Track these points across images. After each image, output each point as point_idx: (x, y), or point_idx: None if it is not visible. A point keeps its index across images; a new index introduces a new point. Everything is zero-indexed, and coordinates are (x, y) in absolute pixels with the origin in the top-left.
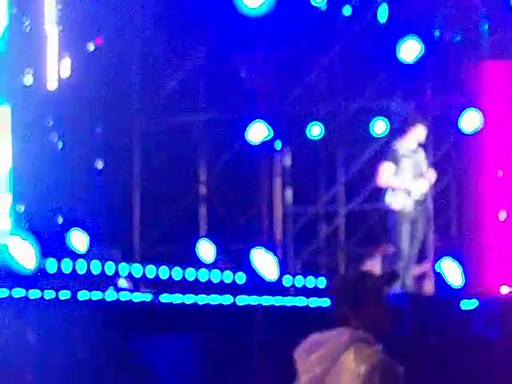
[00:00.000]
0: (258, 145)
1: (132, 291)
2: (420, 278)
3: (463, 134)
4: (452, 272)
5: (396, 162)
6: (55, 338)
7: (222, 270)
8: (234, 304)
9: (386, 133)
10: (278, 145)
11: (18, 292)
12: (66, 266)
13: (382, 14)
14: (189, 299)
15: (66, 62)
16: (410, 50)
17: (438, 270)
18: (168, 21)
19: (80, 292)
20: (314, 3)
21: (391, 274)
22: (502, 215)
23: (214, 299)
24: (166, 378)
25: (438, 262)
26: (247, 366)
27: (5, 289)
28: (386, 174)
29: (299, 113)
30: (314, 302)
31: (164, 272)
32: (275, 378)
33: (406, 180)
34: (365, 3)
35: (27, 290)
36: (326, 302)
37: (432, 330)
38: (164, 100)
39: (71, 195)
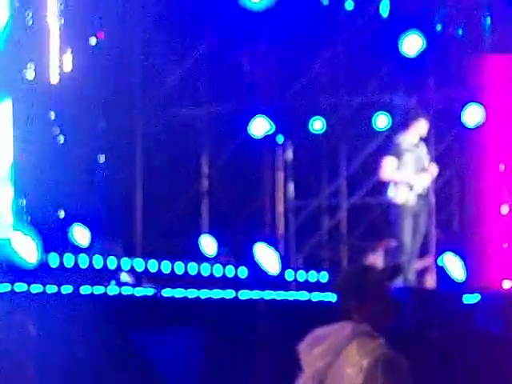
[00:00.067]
0: (260, 139)
1: (134, 286)
2: (422, 272)
3: (465, 128)
4: (454, 266)
5: (398, 156)
6: (57, 332)
7: (224, 265)
8: (236, 298)
9: (388, 127)
10: (280, 139)
11: (20, 286)
12: (68, 260)
13: (384, 8)
14: (191, 294)
15: (68, 56)
16: (412, 44)
17: (440, 264)
18: (170, 14)
19: (82, 286)
20: None
21: (393, 268)
22: (504, 209)
23: (217, 293)
24: (168, 372)
25: (441, 256)
26: (250, 360)
27: (7, 283)
28: (388, 168)
29: (301, 107)
30: (316, 296)
31: (166, 266)
32: (277, 371)
33: (409, 174)
34: None
35: (29, 285)
36: (328, 296)
37: (434, 325)
38: (166, 94)
39: (73, 189)
